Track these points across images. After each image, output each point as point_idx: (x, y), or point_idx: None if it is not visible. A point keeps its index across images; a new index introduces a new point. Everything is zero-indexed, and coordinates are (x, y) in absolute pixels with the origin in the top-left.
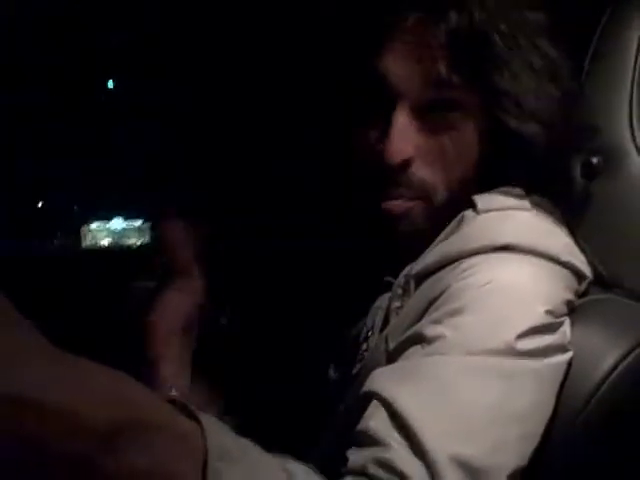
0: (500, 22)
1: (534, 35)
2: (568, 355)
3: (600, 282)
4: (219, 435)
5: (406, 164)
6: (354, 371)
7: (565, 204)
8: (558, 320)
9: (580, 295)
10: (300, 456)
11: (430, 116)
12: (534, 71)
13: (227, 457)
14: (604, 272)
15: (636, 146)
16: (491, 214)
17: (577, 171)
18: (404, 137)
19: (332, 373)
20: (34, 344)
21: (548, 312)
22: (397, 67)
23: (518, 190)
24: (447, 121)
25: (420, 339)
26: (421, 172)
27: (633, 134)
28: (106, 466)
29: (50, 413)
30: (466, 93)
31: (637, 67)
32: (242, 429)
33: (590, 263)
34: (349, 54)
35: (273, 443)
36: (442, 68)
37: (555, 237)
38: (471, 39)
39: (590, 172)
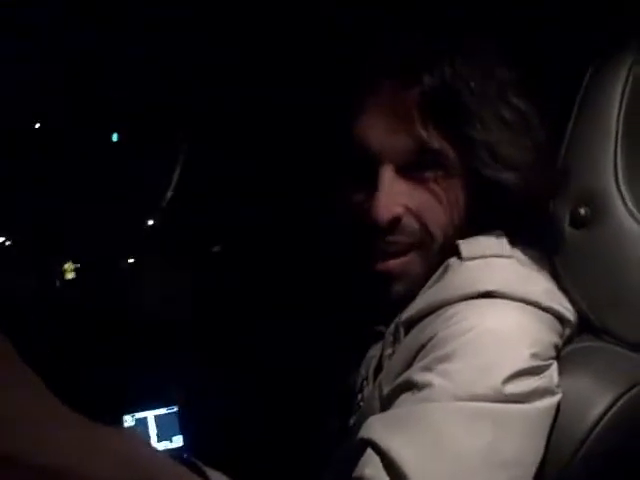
0: (470, 79)
1: (503, 90)
2: (556, 398)
3: (590, 329)
4: None
5: (396, 221)
6: (351, 422)
7: (555, 252)
8: (544, 363)
9: (566, 339)
10: None
11: (413, 174)
12: (505, 123)
13: None
14: (593, 319)
15: (621, 196)
16: (474, 262)
17: (566, 220)
18: (391, 195)
19: (332, 426)
20: (45, 405)
21: (534, 355)
22: (375, 135)
23: (502, 237)
24: (431, 178)
25: (411, 385)
26: (412, 225)
27: (618, 185)
28: None
29: (64, 478)
30: (445, 150)
31: (620, 120)
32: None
33: (579, 310)
34: (329, 122)
35: None
36: (419, 131)
37: (535, 283)
38: (444, 97)
39: (578, 221)
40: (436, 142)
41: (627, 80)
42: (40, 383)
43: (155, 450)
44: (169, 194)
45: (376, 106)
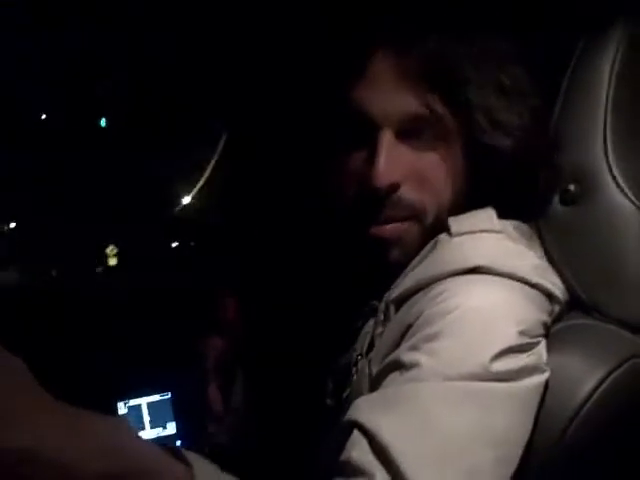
0: (468, 46)
1: (500, 58)
2: (545, 376)
3: (580, 306)
4: (209, 476)
5: (394, 187)
6: (344, 395)
7: (545, 229)
8: (532, 340)
9: (555, 317)
10: None
11: (412, 140)
12: (502, 89)
13: None
14: (584, 297)
15: (611, 173)
16: (463, 237)
17: (556, 197)
18: (390, 160)
19: (329, 398)
20: (28, 391)
21: (521, 333)
22: (374, 100)
23: (492, 212)
24: (429, 145)
25: (398, 365)
26: (410, 195)
27: (608, 162)
28: None
29: (45, 464)
30: (444, 115)
31: (609, 97)
32: (235, 464)
33: (569, 288)
34: (328, 86)
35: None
36: (419, 95)
37: (525, 259)
38: (443, 63)
39: (568, 199)
40: (437, 107)
41: (615, 56)
42: (23, 369)
43: (140, 438)
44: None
45: (376, 71)
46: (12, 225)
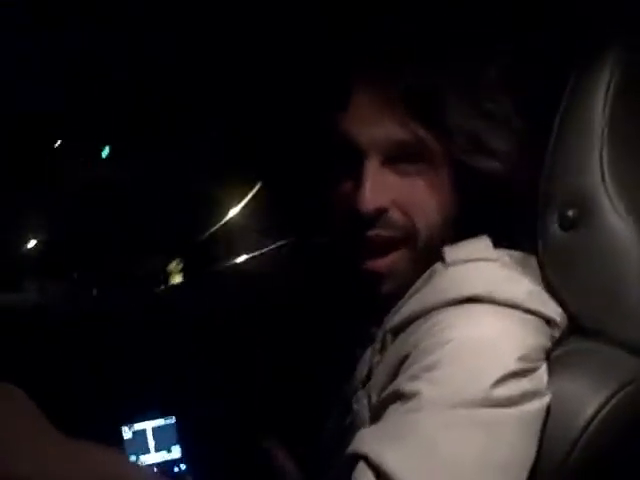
0: (450, 75)
1: (485, 85)
2: (546, 400)
3: (580, 330)
4: None
5: (381, 211)
6: (346, 423)
7: (544, 254)
8: (532, 365)
9: (555, 341)
10: None
11: (399, 166)
12: (486, 114)
13: None
14: (584, 321)
15: (609, 197)
16: (458, 267)
17: (554, 222)
18: (376, 186)
19: (330, 428)
20: (37, 427)
21: (520, 358)
22: (359, 130)
23: (487, 241)
24: (416, 170)
25: (399, 396)
26: (398, 217)
27: (605, 185)
28: None
29: None
30: (429, 141)
31: (605, 122)
32: None
33: (570, 312)
34: (314, 118)
35: None
36: (404, 122)
37: (520, 285)
38: (424, 89)
39: (567, 224)
40: (420, 133)
41: (610, 80)
42: (24, 398)
43: (142, 468)
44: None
45: (360, 102)
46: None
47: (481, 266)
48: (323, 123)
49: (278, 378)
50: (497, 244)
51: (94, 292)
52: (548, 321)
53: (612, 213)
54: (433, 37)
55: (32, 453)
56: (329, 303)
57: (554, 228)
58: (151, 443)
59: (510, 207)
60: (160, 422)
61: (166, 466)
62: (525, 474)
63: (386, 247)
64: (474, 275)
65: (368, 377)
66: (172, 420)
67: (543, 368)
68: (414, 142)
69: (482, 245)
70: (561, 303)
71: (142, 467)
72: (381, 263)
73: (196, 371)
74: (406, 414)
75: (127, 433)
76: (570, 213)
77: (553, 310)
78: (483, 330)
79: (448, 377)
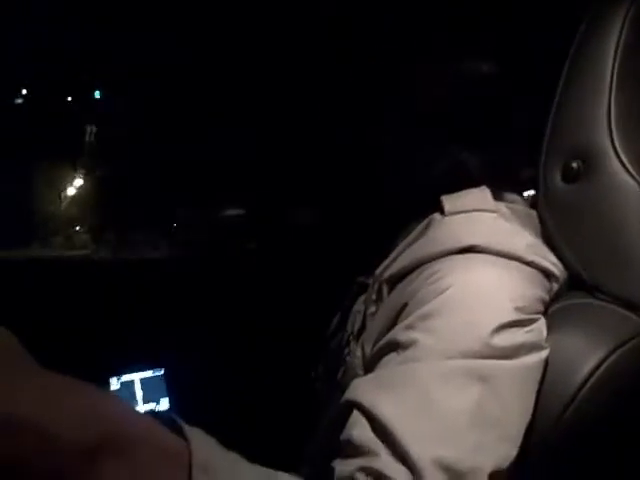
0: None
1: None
2: (544, 353)
3: (580, 285)
4: (205, 449)
5: None
6: (338, 376)
7: (546, 208)
8: (530, 317)
9: (554, 295)
10: (289, 465)
11: None
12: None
13: (212, 471)
14: (586, 276)
15: (615, 150)
16: (457, 217)
17: (558, 174)
18: None
19: (319, 380)
20: (11, 357)
21: (517, 309)
22: None
23: (485, 191)
24: None
25: (395, 346)
26: None
27: (612, 139)
28: None
29: (32, 432)
30: None
31: (614, 73)
32: (230, 442)
33: (571, 267)
34: None
35: (262, 455)
36: None
37: (519, 237)
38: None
39: (570, 176)
40: None
41: (621, 33)
42: (8, 336)
43: (130, 408)
44: None
45: None
46: None
47: (480, 217)
48: None
49: (266, 330)
50: (495, 196)
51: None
52: (547, 274)
53: (618, 167)
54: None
55: (3, 387)
56: (317, 254)
57: (557, 180)
58: (139, 394)
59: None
60: (149, 374)
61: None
62: (522, 427)
63: None
64: (473, 226)
65: (362, 328)
66: (161, 372)
67: (541, 321)
68: None
69: (481, 196)
70: (561, 257)
71: (133, 409)
72: None
73: (186, 324)
74: (402, 364)
75: (115, 384)
76: (574, 165)
77: (552, 263)
78: (480, 279)
79: (444, 326)
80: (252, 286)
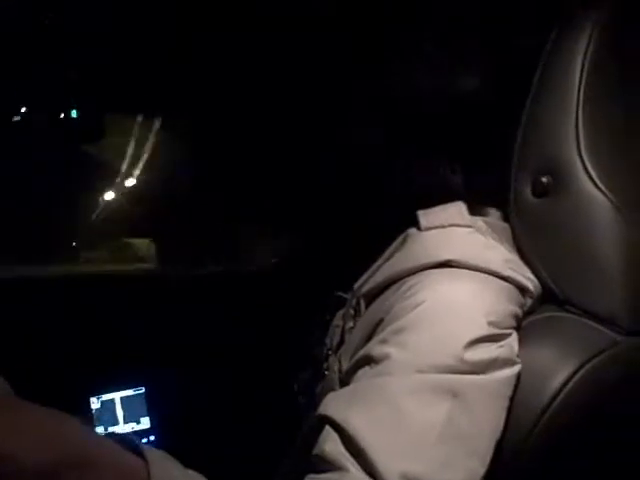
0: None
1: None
2: (516, 369)
3: (552, 299)
4: (164, 469)
5: None
6: (317, 390)
7: (517, 222)
8: (503, 332)
9: (527, 310)
10: None
11: None
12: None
13: None
14: (556, 290)
15: (584, 165)
16: (433, 232)
17: (528, 189)
18: None
19: (300, 394)
20: None
21: (491, 323)
22: None
23: (461, 206)
24: None
25: (368, 360)
26: None
27: (580, 154)
28: None
29: None
30: None
31: (581, 89)
32: (211, 458)
33: (542, 280)
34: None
35: (243, 470)
36: None
37: (495, 252)
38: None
39: (540, 190)
40: None
41: (588, 47)
42: None
43: (91, 432)
44: None
45: None
46: None
47: (456, 232)
48: None
49: (247, 345)
50: (472, 212)
51: None
52: (522, 289)
53: (586, 182)
54: None
55: None
56: (300, 269)
57: (526, 194)
58: (120, 414)
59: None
60: (129, 392)
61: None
62: (492, 442)
63: None
64: (449, 241)
65: (340, 343)
66: (141, 390)
67: (513, 336)
68: None
69: (457, 210)
70: (533, 270)
71: (94, 432)
72: None
73: (166, 342)
74: (374, 378)
75: (95, 403)
76: (544, 180)
77: (527, 279)
78: (455, 294)
79: (417, 341)
80: (232, 303)
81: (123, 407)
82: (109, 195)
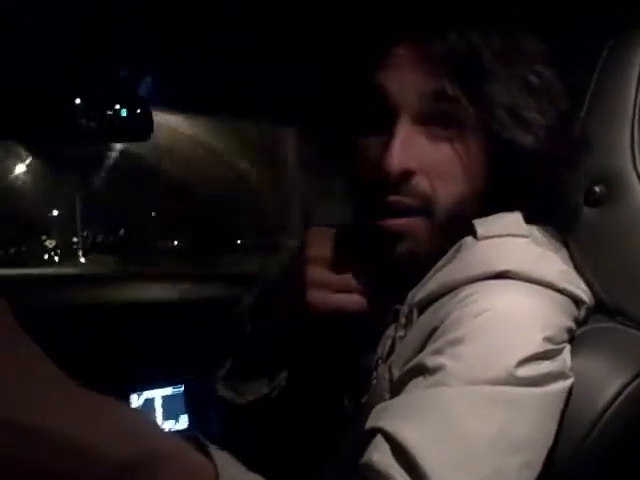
0: (494, 42)
1: (529, 57)
2: (569, 382)
3: (604, 310)
4: (230, 469)
5: (407, 175)
6: (363, 400)
7: (569, 231)
8: (557, 347)
9: (581, 322)
10: None
11: (430, 129)
12: (528, 87)
13: None
14: (607, 300)
15: (638, 176)
16: (490, 241)
17: (581, 199)
18: (405, 147)
19: (347, 403)
20: (48, 374)
21: (546, 339)
22: (393, 79)
23: (519, 216)
24: (447, 137)
25: (422, 370)
26: (422, 185)
27: (635, 164)
28: None
29: (67, 447)
30: (463, 107)
31: (638, 101)
32: (254, 464)
33: (593, 291)
34: (350, 69)
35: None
36: (437, 80)
37: (552, 264)
38: (465, 55)
39: (593, 200)
40: (453, 96)
41: None
42: (39, 350)
43: (159, 427)
44: None
45: (399, 57)
46: None
47: (513, 242)
48: (359, 79)
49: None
50: (528, 220)
51: None
52: (577, 301)
53: None
54: (475, 10)
55: (45, 401)
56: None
57: (580, 204)
58: (159, 412)
59: (541, 182)
60: (169, 391)
61: None
62: (543, 454)
63: (404, 213)
64: (506, 251)
65: (390, 352)
66: (181, 389)
67: (567, 350)
68: (448, 99)
69: (514, 220)
70: (585, 279)
71: (162, 428)
72: (396, 223)
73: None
74: (427, 389)
75: (136, 401)
76: (597, 189)
77: (582, 290)
78: (511, 307)
79: (472, 353)
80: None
81: (163, 405)
82: None
